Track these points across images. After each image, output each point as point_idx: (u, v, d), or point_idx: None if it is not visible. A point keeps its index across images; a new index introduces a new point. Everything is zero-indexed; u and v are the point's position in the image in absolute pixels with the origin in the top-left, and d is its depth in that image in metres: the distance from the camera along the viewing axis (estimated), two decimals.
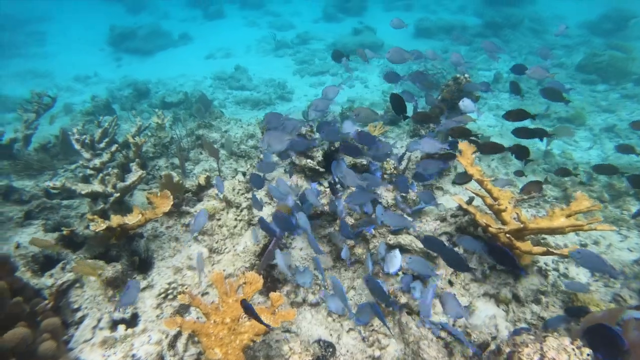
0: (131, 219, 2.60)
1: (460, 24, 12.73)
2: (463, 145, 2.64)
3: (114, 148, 3.68)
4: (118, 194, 3.06)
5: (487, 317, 2.45)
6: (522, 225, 2.32)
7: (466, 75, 4.22)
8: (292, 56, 12.23)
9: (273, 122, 2.81)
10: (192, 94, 8.72)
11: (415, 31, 12.89)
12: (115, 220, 2.72)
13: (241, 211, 2.90)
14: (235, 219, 2.86)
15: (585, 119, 7.12)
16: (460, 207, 2.94)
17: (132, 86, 9.76)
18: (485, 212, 2.81)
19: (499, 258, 2.06)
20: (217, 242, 2.74)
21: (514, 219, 2.55)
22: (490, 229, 2.40)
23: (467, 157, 2.61)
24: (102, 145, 4.21)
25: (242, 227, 2.87)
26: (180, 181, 3.06)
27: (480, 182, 2.56)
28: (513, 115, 2.92)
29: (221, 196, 3.04)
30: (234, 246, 2.76)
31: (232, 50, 13.34)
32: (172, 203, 2.70)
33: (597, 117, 7.34)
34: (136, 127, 4.69)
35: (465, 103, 3.32)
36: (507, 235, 2.32)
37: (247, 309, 1.72)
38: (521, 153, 2.95)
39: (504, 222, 2.53)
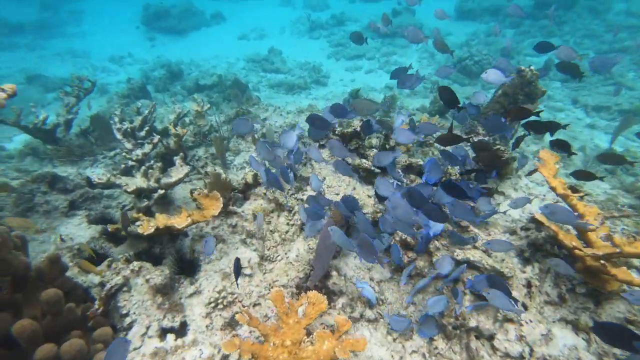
0: (179, 222, 2.46)
1: (507, 4, 11.84)
2: (545, 153, 2.33)
3: (156, 139, 3.56)
4: (163, 191, 2.94)
5: (567, 347, 2.20)
6: (617, 250, 2.03)
7: (532, 67, 3.81)
8: (327, 38, 11.81)
9: (241, 128, 2.70)
10: (225, 77, 8.55)
11: (457, 13, 12.13)
12: (162, 220, 2.61)
13: (293, 215, 2.72)
14: (287, 224, 2.68)
15: None
16: (532, 219, 2.66)
17: (165, 67, 9.67)
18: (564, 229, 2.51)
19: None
20: (268, 249, 2.58)
21: (602, 238, 2.25)
22: (577, 251, 2.12)
23: (549, 167, 2.31)
24: (142, 133, 4.12)
25: (295, 232, 2.69)
26: (228, 179, 2.90)
27: (564, 197, 2.26)
28: (513, 114, 2.52)
29: (270, 196, 2.87)
30: (286, 253, 2.60)
31: (266, 31, 13.03)
32: (221, 205, 2.55)
33: None
34: (175, 115, 4.56)
35: (488, 74, 2.73)
36: (601, 260, 2.04)
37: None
38: (562, 147, 2.55)
39: (589, 243, 2.24)
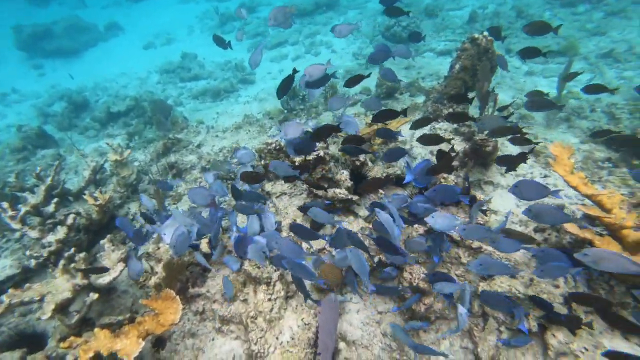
0: (129, 349, 1.80)
1: None
2: (556, 148, 1.97)
3: (70, 219, 2.75)
4: (96, 296, 2.21)
5: None
6: None
7: (485, 33, 3.47)
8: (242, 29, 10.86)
9: (137, 242, 2.45)
10: (141, 97, 7.46)
11: None
12: (105, 343, 1.92)
13: (273, 286, 2.16)
14: (269, 299, 2.12)
15: (577, 48, 6.61)
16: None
17: (66, 98, 8.26)
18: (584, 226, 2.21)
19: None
20: (255, 343, 2.00)
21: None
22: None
23: (564, 163, 1.95)
24: (51, 208, 3.24)
25: (280, 305, 2.14)
26: (180, 260, 2.25)
27: (589, 197, 1.92)
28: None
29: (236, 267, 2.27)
30: (277, 338, 2.05)
31: (173, 34, 11.68)
32: (180, 307, 1.92)
33: (589, 42, 6.84)
34: (90, 171, 3.70)
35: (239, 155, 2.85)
36: None
37: None
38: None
39: (624, 242, 1.94)
